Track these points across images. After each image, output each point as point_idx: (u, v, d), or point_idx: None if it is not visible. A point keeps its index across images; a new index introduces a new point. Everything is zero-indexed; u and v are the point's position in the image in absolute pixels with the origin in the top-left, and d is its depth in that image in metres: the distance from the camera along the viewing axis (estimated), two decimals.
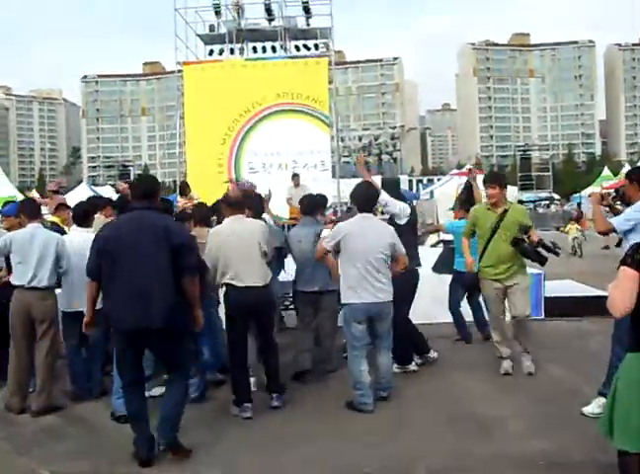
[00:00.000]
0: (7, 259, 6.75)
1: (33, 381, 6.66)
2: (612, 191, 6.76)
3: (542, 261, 7.32)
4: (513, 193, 24.18)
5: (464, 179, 14.11)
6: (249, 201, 7.24)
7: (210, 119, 18.40)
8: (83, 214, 7.20)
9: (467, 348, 8.76)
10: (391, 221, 7.29)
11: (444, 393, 6.79)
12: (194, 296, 5.26)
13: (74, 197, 13.60)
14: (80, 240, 6.86)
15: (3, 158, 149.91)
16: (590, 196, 7.50)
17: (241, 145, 18.74)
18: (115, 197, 10.89)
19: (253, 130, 18.78)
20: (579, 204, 35.31)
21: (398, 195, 7.89)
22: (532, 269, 8.47)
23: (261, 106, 18.66)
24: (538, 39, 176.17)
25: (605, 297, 3.73)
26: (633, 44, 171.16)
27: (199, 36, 21.20)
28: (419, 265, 7.69)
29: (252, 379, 6.65)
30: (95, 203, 7.99)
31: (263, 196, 8.21)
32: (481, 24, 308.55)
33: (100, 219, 7.77)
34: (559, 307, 10.32)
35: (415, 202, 18.97)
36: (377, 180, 16.93)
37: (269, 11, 21.31)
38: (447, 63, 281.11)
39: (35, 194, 22.29)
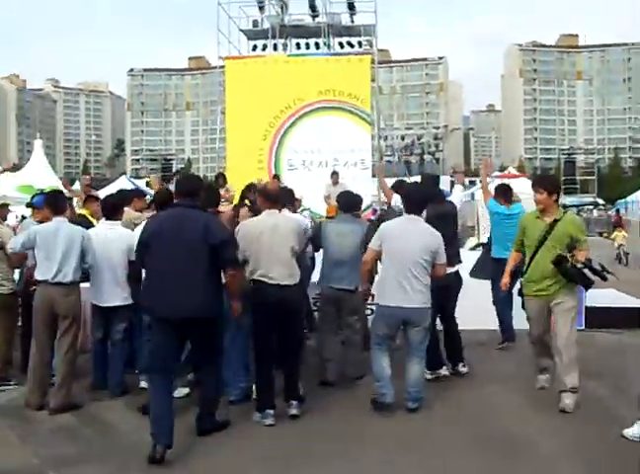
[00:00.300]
0: None
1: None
2: None
3: (587, 284, 6.47)
4: None
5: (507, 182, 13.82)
6: (287, 197, 7.13)
7: (251, 115, 18.36)
8: (112, 207, 7.14)
9: (503, 357, 8.48)
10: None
11: (474, 407, 6.53)
12: (234, 288, 5.82)
13: (114, 190, 13.64)
14: (106, 233, 6.81)
15: (50, 150, 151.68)
16: None
17: (281, 142, 18.68)
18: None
19: (294, 127, 18.70)
20: (617, 211, 34.44)
21: (436, 191, 7.70)
22: None
23: (302, 102, 18.58)
24: (587, 40, 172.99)
25: None
26: None
27: (242, 31, 21.21)
28: (459, 261, 7.51)
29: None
30: (124, 196, 7.91)
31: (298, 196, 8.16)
32: (528, 24, 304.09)
33: (130, 213, 7.69)
34: (600, 318, 9.94)
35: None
36: (418, 180, 16.70)
37: (313, 7, 21.23)
38: (493, 64, 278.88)
39: (77, 186, 22.49)
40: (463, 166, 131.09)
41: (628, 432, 5.45)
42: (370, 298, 7.41)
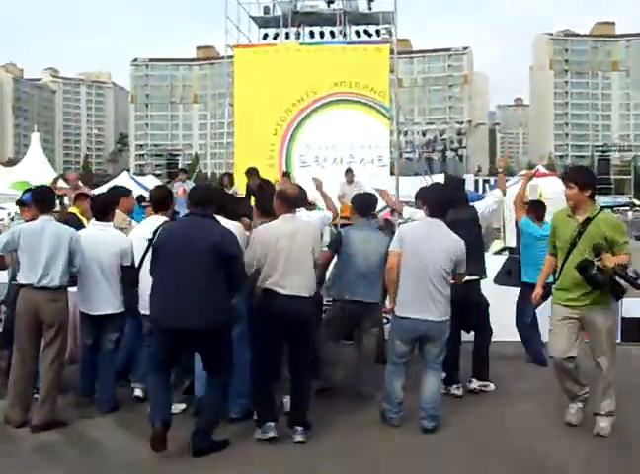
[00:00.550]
0: None
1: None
2: None
3: (618, 294, 5.93)
4: None
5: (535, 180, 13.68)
6: (306, 200, 7.05)
7: (261, 108, 18.28)
8: (101, 207, 6.95)
9: (531, 372, 8.32)
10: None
11: (496, 426, 6.38)
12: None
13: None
14: (97, 235, 6.68)
15: (48, 143, 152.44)
16: None
17: (293, 137, 18.61)
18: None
19: (307, 121, 18.62)
20: None
21: (462, 196, 7.57)
22: None
23: (316, 95, 18.49)
24: (625, 28, 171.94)
25: None
26: None
27: (252, 18, 21.13)
28: (484, 275, 7.37)
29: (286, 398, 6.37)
30: (117, 195, 7.78)
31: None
32: (560, 11, 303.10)
33: (119, 214, 7.54)
34: (638, 331, 9.79)
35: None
36: (440, 179, 16.57)
37: None
38: (521, 55, 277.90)
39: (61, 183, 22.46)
40: (488, 164, 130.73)
41: None
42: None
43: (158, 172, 49.13)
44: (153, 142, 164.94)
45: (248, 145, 18.29)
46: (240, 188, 13.03)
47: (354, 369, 7.33)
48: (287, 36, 21.30)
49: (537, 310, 8.50)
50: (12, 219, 12.01)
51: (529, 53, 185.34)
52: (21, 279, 6.33)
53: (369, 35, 21.06)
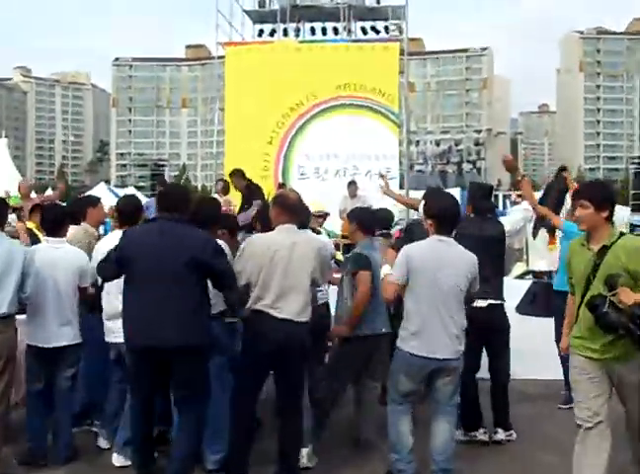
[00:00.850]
0: None
1: None
2: None
3: (636, 339, 4.87)
4: (623, 215, 23.38)
5: None
6: (306, 210, 6.91)
7: (255, 113, 18.31)
8: (52, 221, 6.66)
9: (561, 418, 8.07)
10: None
11: None
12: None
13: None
14: (52, 254, 6.44)
15: (18, 151, 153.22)
16: None
17: (291, 146, 18.61)
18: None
19: (306, 128, 18.64)
20: None
21: (489, 205, 7.45)
22: None
23: (317, 99, 18.54)
24: None
25: None
26: None
27: (246, 12, 21.16)
28: (501, 299, 7.21)
29: (305, 450, 6.19)
30: (82, 205, 7.58)
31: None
32: (590, 7, 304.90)
33: (85, 227, 7.38)
34: None
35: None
36: (455, 193, 16.46)
37: None
38: (548, 56, 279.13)
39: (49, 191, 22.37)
40: (510, 178, 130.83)
41: None
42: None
43: (142, 184, 49.30)
44: (137, 151, 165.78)
45: (240, 155, 18.23)
46: (236, 199, 12.88)
47: (355, 412, 7.12)
48: (285, 32, 21.35)
49: None
50: None
51: (557, 54, 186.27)
52: None
53: (377, 32, 21.11)
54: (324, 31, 21.38)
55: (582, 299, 5.22)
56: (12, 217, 8.92)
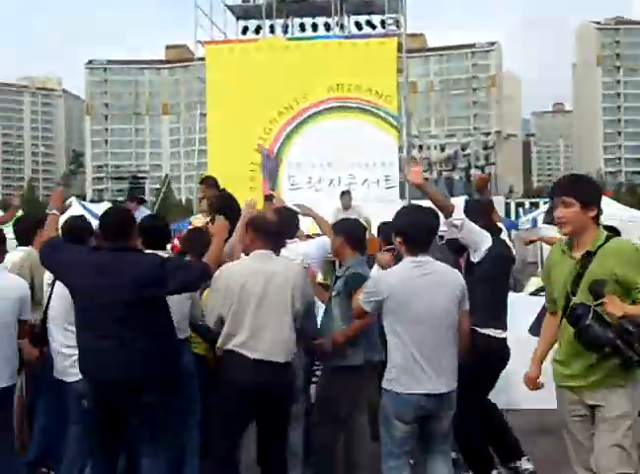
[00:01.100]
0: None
1: None
2: None
3: (626, 358, 4.44)
4: None
5: None
6: (291, 229, 6.84)
7: (241, 119, 18.34)
8: None
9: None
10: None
11: None
12: None
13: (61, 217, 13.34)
14: None
15: None
16: None
17: (280, 153, 18.53)
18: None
19: (296, 134, 18.66)
20: None
21: (491, 224, 7.33)
22: None
23: (307, 101, 18.58)
24: None
25: None
26: None
27: (228, 7, 21.15)
28: (504, 328, 7.04)
29: None
30: (22, 228, 7.52)
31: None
32: None
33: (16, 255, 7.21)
34: None
35: (513, 235, 18.27)
36: (461, 201, 16.37)
37: None
38: (562, 50, 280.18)
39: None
40: (522, 184, 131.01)
41: None
42: None
43: (120, 198, 49.35)
44: (114, 162, 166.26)
45: (224, 164, 18.21)
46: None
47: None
48: (272, 29, 21.37)
49: None
50: None
51: (572, 48, 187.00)
52: None
53: (373, 27, 21.09)
54: (314, 26, 21.39)
55: (562, 315, 4.82)
56: None
